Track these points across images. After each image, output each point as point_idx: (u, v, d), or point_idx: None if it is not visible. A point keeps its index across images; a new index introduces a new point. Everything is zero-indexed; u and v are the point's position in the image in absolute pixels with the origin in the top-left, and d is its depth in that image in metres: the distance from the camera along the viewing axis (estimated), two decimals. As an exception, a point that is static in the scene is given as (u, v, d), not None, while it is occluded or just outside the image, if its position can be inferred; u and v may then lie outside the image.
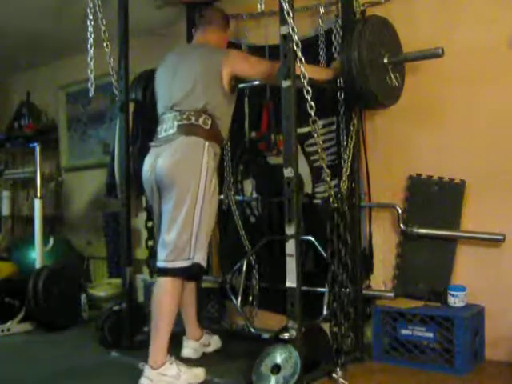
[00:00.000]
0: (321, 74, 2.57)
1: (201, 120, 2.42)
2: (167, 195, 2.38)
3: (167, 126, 2.47)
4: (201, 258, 2.38)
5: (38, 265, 3.60)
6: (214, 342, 2.84)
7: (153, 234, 3.07)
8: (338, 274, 2.44)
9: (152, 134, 2.58)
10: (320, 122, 2.58)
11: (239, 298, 3.05)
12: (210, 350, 2.80)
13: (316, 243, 2.79)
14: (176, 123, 2.44)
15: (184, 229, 2.33)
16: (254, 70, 2.53)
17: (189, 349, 2.70)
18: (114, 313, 2.94)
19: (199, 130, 2.41)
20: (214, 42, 2.68)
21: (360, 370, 2.47)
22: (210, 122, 2.43)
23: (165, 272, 2.36)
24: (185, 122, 2.42)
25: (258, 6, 2.25)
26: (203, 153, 2.39)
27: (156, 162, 2.41)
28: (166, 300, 2.33)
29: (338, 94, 2.71)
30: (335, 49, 2.88)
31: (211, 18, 2.75)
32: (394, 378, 2.37)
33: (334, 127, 2.92)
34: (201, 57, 2.55)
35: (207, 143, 2.41)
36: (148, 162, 2.49)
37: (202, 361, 2.63)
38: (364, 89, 2.34)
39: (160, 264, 2.38)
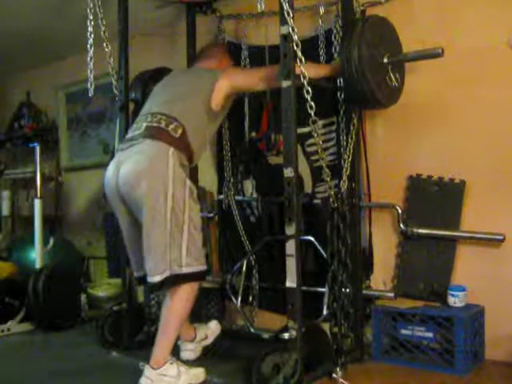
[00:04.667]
0: (321, 69, 2.57)
1: (171, 127, 2.31)
2: (135, 207, 2.27)
3: (136, 126, 2.39)
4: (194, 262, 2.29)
5: (37, 265, 3.61)
6: (212, 331, 2.78)
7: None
8: (337, 274, 2.44)
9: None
10: (320, 122, 2.59)
11: (239, 298, 3.05)
12: (209, 341, 2.76)
13: (316, 243, 2.79)
14: (145, 124, 2.35)
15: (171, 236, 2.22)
16: (252, 77, 2.51)
17: (187, 351, 2.67)
18: (113, 313, 2.94)
19: (166, 136, 2.28)
20: (213, 67, 2.67)
21: (360, 370, 2.47)
22: (180, 132, 2.31)
23: (174, 280, 2.26)
24: (154, 124, 2.32)
25: (258, 6, 2.25)
26: (168, 159, 2.23)
27: (119, 171, 2.29)
28: (180, 304, 2.29)
29: (338, 94, 2.71)
30: (335, 49, 2.88)
31: (212, 53, 2.77)
32: (393, 378, 2.37)
33: (334, 127, 2.92)
34: (194, 71, 2.57)
35: (172, 149, 2.26)
36: (111, 169, 2.35)
37: (202, 361, 2.63)
38: (364, 89, 2.34)
39: (157, 277, 2.23)
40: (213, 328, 2.80)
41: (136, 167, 2.26)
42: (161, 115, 2.36)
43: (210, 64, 2.69)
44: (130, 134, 2.42)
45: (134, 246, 2.43)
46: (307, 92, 2.20)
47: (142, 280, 2.41)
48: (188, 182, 2.29)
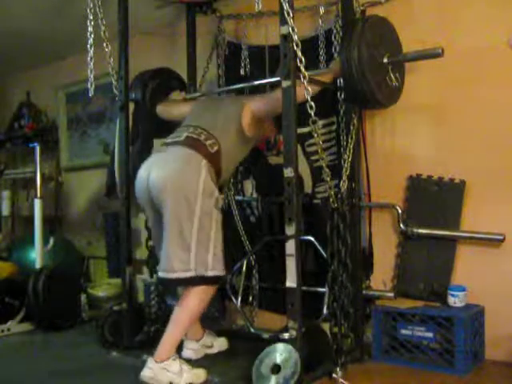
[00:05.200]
0: (321, 78, 2.56)
1: (209, 142, 2.45)
2: (162, 208, 2.37)
3: (177, 134, 2.53)
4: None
5: (37, 265, 3.60)
6: (219, 344, 2.82)
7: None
8: (337, 274, 2.44)
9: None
10: (320, 122, 2.59)
11: (239, 298, 3.05)
12: (213, 351, 2.78)
13: (316, 243, 2.79)
14: (186, 134, 2.49)
15: (199, 242, 2.35)
16: (264, 101, 2.58)
17: (189, 350, 2.68)
18: (114, 313, 2.94)
19: (203, 149, 2.42)
20: None
21: (360, 370, 2.47)
22: (216, 149, 2.46)
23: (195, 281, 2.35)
24: (194, 136, 2.47)
25: (256, 5, 2.25)
26: (200, 170, 2.36)
27: (150, 173, 2.40)
28: (194, 302, 2.37)
29: (338, 93, 2.71)
30: (335, 49, 2.88)
31: None
32: (393, 378, 2.37)
33: (334, 127, 2.92)
34: (229, 98, 2.92)
35: (205, 161, 2.39)
36: (143, 169, 2.48)
37: (202, 361, 2.63)
38: (364, 89, 2.34)
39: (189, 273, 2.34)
40: (221, 341, 2.85)
41: (167, 173, 2.38)
42: (202, 129, 2.50)
43: None
44: (168, 140, 2.53)
45: (160, 239, 2.49)
46: (307, 92, 2.20)
47: None
48: (216, 193, 2.42)
